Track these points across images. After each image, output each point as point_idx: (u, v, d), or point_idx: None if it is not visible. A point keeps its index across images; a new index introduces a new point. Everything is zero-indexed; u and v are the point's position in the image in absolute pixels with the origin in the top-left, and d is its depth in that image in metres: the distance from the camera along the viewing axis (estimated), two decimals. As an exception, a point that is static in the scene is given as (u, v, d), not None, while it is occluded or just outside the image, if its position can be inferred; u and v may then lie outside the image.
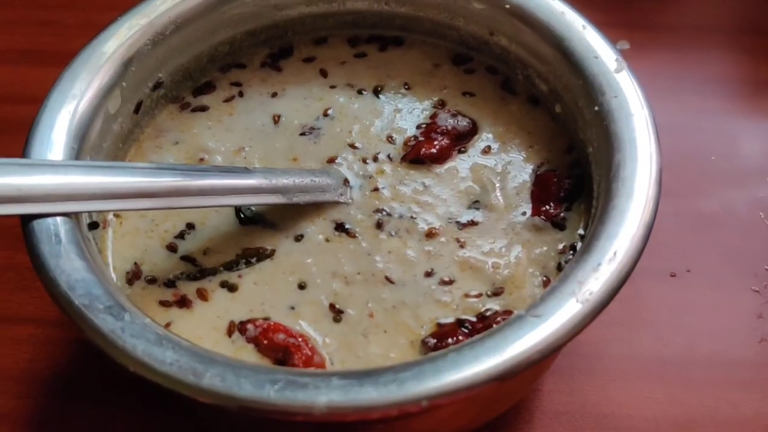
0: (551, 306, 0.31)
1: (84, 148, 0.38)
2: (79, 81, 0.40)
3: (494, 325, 0.36)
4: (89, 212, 0.37)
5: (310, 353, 0.36)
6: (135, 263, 0.40)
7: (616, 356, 0.45)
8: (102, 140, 0.40)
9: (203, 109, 0.47)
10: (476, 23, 0.46)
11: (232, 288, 0.39)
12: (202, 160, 0.44)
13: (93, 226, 0.38)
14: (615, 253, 0.33)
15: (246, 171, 0.40)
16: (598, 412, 0.43)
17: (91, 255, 0.34)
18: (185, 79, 0.47)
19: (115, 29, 0.42)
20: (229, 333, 0.37)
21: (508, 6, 0.44)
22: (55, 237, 0.33)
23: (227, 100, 0.47)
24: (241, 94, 0.47)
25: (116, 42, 0.41)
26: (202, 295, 0.39)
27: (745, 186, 0.53)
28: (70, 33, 0.63)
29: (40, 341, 0.46)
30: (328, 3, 0.48)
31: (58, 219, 0.34)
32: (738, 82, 0.60)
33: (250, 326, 0.37)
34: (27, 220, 0.34)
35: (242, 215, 0.41)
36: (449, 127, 0.45)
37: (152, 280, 0.39)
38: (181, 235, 0.41)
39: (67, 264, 0.32)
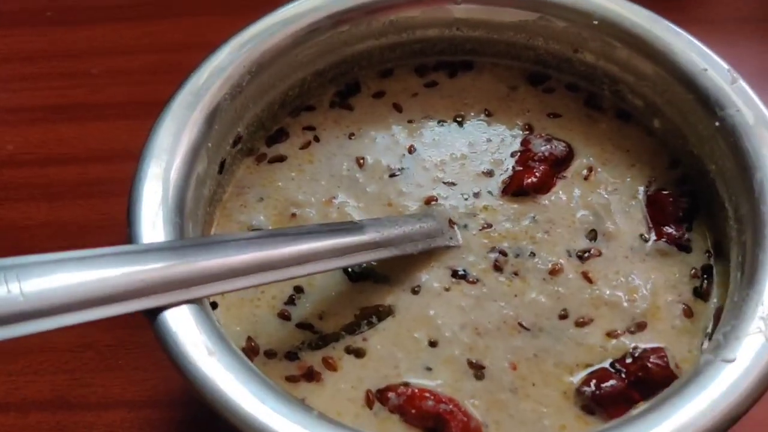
0: (740, 347, 0.29)
1: (185, 219, 0.35)
2: (166, 146, 0.37)
3: (648, 364, 0.35)
4: (212, 295, 0.34)
5: (465, 419, 0.33)
6: (249, 338, 0.37)
7: None
8: (196, 207, 0.37)
9: (281, 159, 0.44)
10: (558, 41, 0.44)
11: (358, 353, 0.36)
12: (294, 215, 0.41)
13: (213, 306, 0.35)
14: (792, 282, 0.31)
15: (356, 226, 0.37)
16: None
17: (228, 339, 0.31)
18: (258, 129, 0.44)
19: (193, 85, 0.39)
20: (369, 404, 0.35)
21: (596, 22, 0.42)
22: (188, 327, 0.30)
23: (303, 147, 0.44)
24: (317, 139, 0.45)
25: (196, 99, 0.38)
26: (330, 364, 0.36)
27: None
28: (99, 83, 0.59)
29: (136, 426, 0.42)
30: (397, 34, 0.46)
31: (185, 306, 0.31)
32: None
33: (391, 395, 0.34)
34: (153, 313, 0.31)
35: (351, 272, 0.39)
36: (547, 153, 0.43)
37: (272, 354, 0.36)
38: (291, 301, 0.38)
39: (210, 357, 0.29)
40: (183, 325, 0.30)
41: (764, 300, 0.31)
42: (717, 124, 0.38)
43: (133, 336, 0.46)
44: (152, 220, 0.34)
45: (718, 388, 0.28)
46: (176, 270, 0.31)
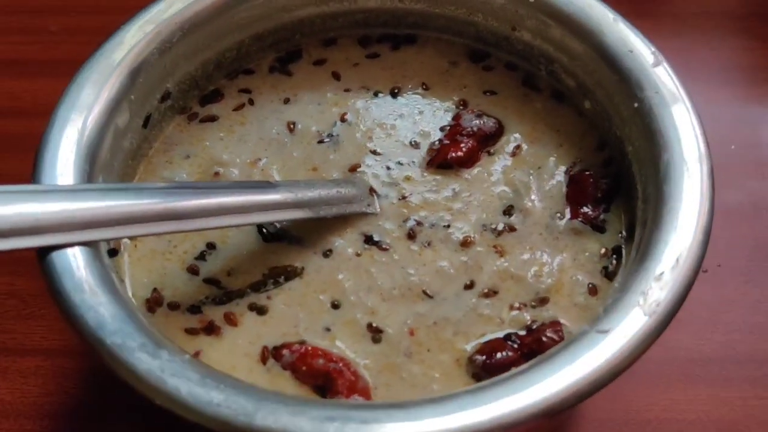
0: (617, 320, 0.29)
1: (96, 168, 0.36)
2: (85, 96, 0.37)
3: (543, 338, 0.35)
4: (108, 240, 0.34)
5: (353, 378, 0.34)
6: (155, 289, 0.37)
7: (657, 359, 0.43)
8: (113, 158, 0.38)
9: (213, 119, 0.44)
10: (497, 18, 0.44)
11: (261, 311, 0.37)
12: (217, 174, 0.41)
13: (112, 253, 0.36)
14: (678, 260, 0.31)
15: (269, 185, 0.37)
16: (642, 418, 0.42)
17: (116, 286, 0.31)
18: (192, 88, 0.44)
19: (120, 38, 0.39)
20: (263, 360, 0.35)
21: (532, 0, 0.42)
22: (77, 269, 0.31)
23: (237, 109, 0.44)
24: (251, 102, 0.45)
25: (122, 52, 0.39)
26: (231, 320, 0.36)
27: (768, 176, 0.52)
28: (56, 39, 0.59)
29: (50, 373, 0.43)
30: (338, 2, 0.46)
31: (77, 249, 0.31)
32: (750, 69, 0.59)
33: (285, 351, 0.35)
34: (44, 252, 0.31)
35: (265, 232, 0.39)
36: (475, 129, 0.43)
37: (175, 306, 0.37)
38: (201, 256, 0.38)
39: (92, 299, 0.30)
40: (70, 264, 0.31)
41: (649, 276, 0.31)
42: (636, 105, 0.37)
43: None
44: (59, 165, 0.34)
45: (582, 355, 0.28)
46: (71, 211, 0.31)
